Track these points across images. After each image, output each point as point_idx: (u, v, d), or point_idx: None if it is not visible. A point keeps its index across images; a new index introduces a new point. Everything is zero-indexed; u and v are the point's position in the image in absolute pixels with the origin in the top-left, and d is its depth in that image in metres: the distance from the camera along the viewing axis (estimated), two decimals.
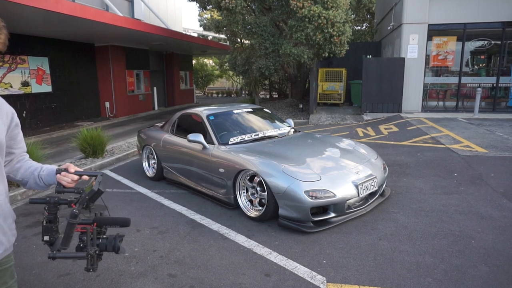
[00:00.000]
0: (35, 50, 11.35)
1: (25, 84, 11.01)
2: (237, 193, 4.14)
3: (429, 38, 11.51)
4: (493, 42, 11.61)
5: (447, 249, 3.18)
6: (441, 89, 12.10)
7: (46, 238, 1.44)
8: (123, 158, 7.37)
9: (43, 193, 5.27)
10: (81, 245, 1.46)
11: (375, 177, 4.06)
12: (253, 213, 3.99)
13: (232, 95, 29.05)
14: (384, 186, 4.43)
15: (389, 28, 13.49)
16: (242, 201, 4.12)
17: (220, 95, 29.63)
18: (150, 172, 5.85)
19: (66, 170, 1.51)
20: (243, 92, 26.93)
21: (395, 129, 9.13)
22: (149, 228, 3.92)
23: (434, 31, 11.49)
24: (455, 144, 7.07)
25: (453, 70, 11.85)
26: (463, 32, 11.42)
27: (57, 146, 9.09)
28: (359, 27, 23.02)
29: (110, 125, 12.70)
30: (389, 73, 11.47)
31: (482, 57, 12.15)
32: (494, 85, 11.69)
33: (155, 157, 5.62)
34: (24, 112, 11.05)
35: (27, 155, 1.64)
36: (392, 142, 7.65)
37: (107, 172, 6.39)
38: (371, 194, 4.10)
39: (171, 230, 3.83)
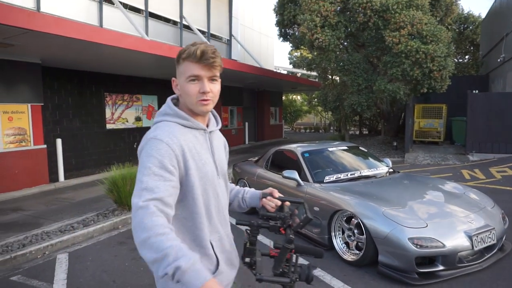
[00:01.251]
0: (147, 89, 12.92)
1: (138, 119, 12.52)
2: (332, 234, 4.00)
3: None
4: None
5: None
6: None
7: (247, 259, 1.45)
8: None
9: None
10: (282, 270, 1.42)
11: (493, 228, 3.57)
12: (349, 257, 3.80)
13: (320, 131, 28.92)
14: (503, 239, 3.86)
15: (499, 60, 12.26)
16: (338, 243, 3.96)
17: (307, 131, 29.75)
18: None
19: (271, 194, 1.55)
20: (331, 128, 26.64)
21: (510, 172, 8.03)
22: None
23: None
24: None
25: None
26: None
27: None
28: (461, 60, 21.38)
29: None
30: (501, 109, 10.28)
31: None
32: None
33: None
34: (135, 143, 12.49)
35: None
36: (509, 188, 6.71)
37: None
38: (488, 248, 3.60)
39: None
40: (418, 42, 9.77)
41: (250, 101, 19.61)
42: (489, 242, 3.51)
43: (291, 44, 14.94)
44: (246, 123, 18.03)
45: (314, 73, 18.97)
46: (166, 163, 1.21)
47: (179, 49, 8.67)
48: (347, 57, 11.61)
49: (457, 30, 19.48)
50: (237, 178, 6.25)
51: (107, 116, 11.24)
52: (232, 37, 16.95)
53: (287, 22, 13.60)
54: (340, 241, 3.96)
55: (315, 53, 12.00)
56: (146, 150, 1.24)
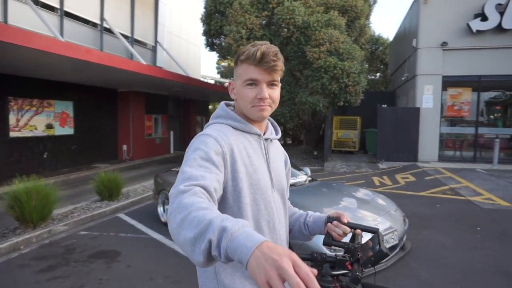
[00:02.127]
0: (62, 95, 11.92)
1: (49, 126, 11.44)
2: None
3: (444, 88, 11.65)
4: (508, 93, 11.66)
5: None
6: (457, 139, 12.02)
7: None
8: (138, 202, 7.40)
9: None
10: None
11: (395, 229, 3.95)
12: None
13: None
14: (404, 239, 4.29)
15: (403, 78, 13.76)
16: None
17: None
18: (165, 218, 5.83)
19: (338, 219, 1.29)
20: None
21: (412, 178, 8.99)
22: (162, 276, 3.84)
23: (449, 82, 11.66)
24: (476, 196, 6.88)
25: (469, 120, 11.82)
26: (478, 83, 11.55)
27: (74, 188, 9.22)
28: (373, 77, 23.52)
29: (127, 168, 12.90)
30: (405, 122, 11.52)
31: (498, 107, 12.15)
32: None
33: None
34: (46, 153, 11.38)
35: (289, 201, 1.51)
36: (409, 193, 7.50)
37: (121, 216, 6.39)
38: (391, 248, 3.96)
39: (186, 279, 3.74)
40: (335, 58, 10.52)
41: (176, 109, 19.21)
42: (393, 242, 3.87)
43: (217, 54, 15.03)
44: (171, 132, 17.58)
45: None
46: (212, 155, 1.10)
47: (98, 52, 8.18)
48: None
49: (369, 49, 21.43)
50: (159, 189, 6.03)
51: (11, 123, 10.08)
52: (158, 44, 16.52)
53: (214, 32, 13.69)
54: None
55: None
56: (193, 145, 1.15)
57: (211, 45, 14.78)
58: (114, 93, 14.76)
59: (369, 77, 22.70)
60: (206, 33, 14.29)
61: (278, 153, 1.37)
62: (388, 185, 8.41)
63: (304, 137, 16.99)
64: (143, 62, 12.09)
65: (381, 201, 4.63)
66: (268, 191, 1.22)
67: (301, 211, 1.47)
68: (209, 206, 0.90)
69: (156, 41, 16.42)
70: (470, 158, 11.67)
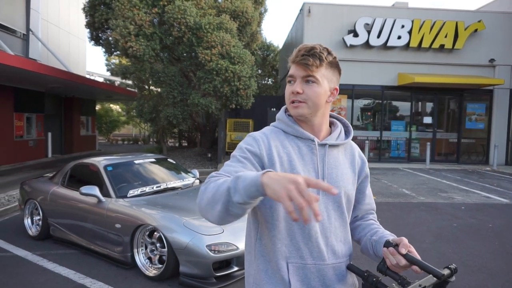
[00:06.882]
0: None
1: None
2: (135, 250, 3.81)
3: None
4: (376, 101, 13.47)
5: None
6: None
7: None
8: (1, 214, 6.34)
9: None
10: None
11: None
12: (151, 272, 3.68)
13: (139, 143, 27.91)
14: None
15: None
16: (140, 259, 3.79)
17: (126, 142, 28.23)
18: (33, 230, 5.09)
19: (397, 246, 1.08)
20: (151, 140, 26.11)
21: None
22: None
23: None
24: None
25: None
26: (352, 91, 13.06)
27: None
28: (264, 82, 24.67)
29: None
30: None
31: (369, 113, 13.94)
32: (379, 138, 13.38)
33: (41, 212, 4.95)
34: None
35: (373, 214, 1.39)
36: None
37: None
38: None
39: None
40: (227, 61, 10.69)
41: (55, 108, 17.16)
42: None
43: (104, 49, 13.89)
44: (49, 134, 15.62)
45: (131, 83, 18.23)
46: (249, 154, 1.17)
47: None
48: (163, 69, 11.64)
49: (261, 56, 22.45)
50: (26, 198, 5.25)
51: None
52: (31, 33, 14.50)
53: (99, 25, 12.62)
54: (143, 256, 3.81)
55: (130, 62, 11.54)
56: (239, 144, 1.23)
57: (96, 39, 13.60)
58: None
59: (261, 82, 23.77)
60: (89, 25, 13.09)
61: (345, 159, 1.30)
62: None
63: (199, 139, 16.89)
64: (10, 52, 10.47)
65: None
66: None
67: (376, 226, 1.32)
68: (228, 178, 1.00)
69: (28, 29, 14.39)
70: None
